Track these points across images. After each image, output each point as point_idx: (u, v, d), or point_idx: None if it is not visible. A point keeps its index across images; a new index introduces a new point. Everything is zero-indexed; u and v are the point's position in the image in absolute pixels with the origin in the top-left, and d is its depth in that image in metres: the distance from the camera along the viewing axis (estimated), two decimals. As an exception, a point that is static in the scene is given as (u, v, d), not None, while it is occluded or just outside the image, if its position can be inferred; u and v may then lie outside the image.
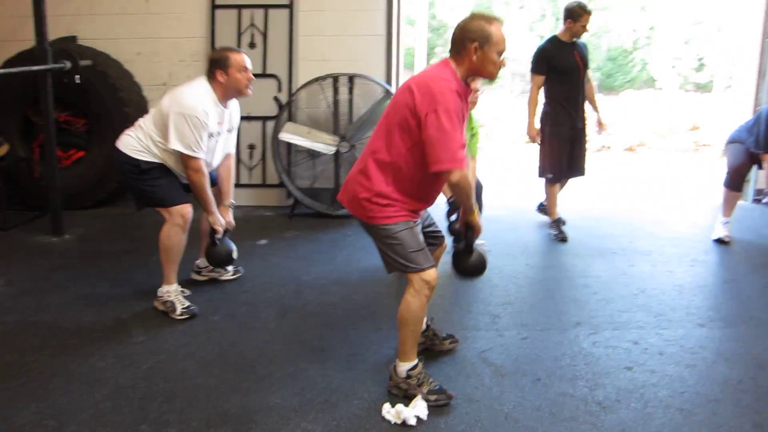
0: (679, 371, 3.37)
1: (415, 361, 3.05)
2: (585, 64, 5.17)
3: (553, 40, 5.14)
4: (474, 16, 2.82)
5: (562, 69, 5.04)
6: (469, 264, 3.14)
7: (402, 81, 5.92)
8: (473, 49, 2.76)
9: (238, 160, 5.81)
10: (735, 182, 5.28)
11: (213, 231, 3.95)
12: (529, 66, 5.17)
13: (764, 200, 6.22)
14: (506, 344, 3.60)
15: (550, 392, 3.14)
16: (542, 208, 5.68)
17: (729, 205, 5.30)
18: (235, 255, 4.10)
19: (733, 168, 5.28)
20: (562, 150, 5.16)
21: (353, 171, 2.99)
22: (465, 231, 3.06)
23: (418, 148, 2.77)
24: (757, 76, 6.30)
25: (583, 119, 5.25)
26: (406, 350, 3.04)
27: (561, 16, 5.21)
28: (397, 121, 2.80)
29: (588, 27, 5.08)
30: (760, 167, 5.32)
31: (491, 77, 2.87)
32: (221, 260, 4.12)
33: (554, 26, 17.85)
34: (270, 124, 5.77)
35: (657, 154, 9.43)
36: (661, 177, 7.96)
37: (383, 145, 2.85)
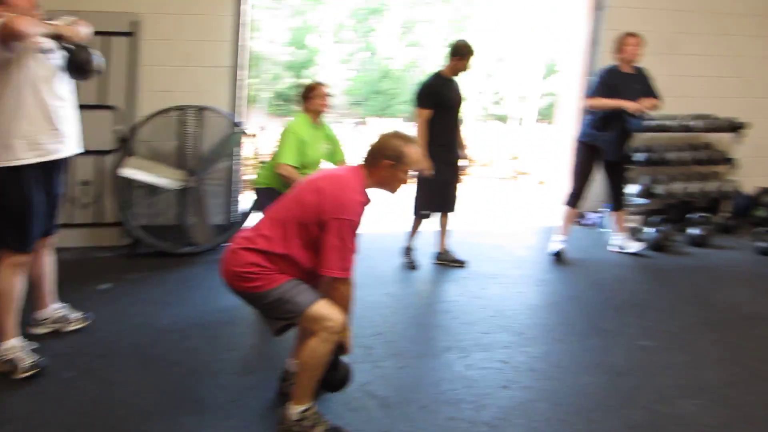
0: (551, 385, 3.56)
1: (310, 403, 2.96)
2: (461, 101, 5.28)
3: (438, 76, 5.18)
4: (393, 135, 2.96)
5: (446, 105, 5.12)
6: (336, 379, 3.04)
7: (247, 114, 5.86)
8: (386, 165, 2.89)
9: (71, 198, 5.37)
10: (572, 200, 5.71)
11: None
12: (414, 101, 5.15)
13: (582, 221, 6.75)
14: (385, 375, 3.61)
15: (438, 418, 3.19)
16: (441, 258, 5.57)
17: (566, 222, 5.73)
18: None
19: (574, 187, 5.69)
20: (439, 186, 5.19)
21: (237, 249, 2.88)
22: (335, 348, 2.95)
23: (313, 246, 2.82)
24: (578, 111, 6.86)
25: (457, 156, 5.33)
26: (304, 394, 2.95)
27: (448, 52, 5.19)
28: (296, 217, 2.83)
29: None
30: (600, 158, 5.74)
31: (394, 192, 3.01)
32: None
33: (367, 60, 18.42)
34: (107, 159, 5.41)
35: (481, 182, 9.96)
36: (489, 204, 8.38)
37: (278, 235, 2.84)
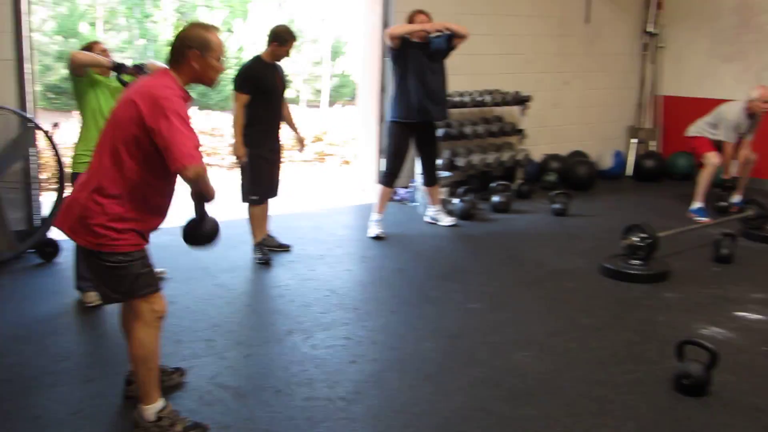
0: (395, 354, 3.67)
1: (162, 401, 2.82)
2: (284, 86, 5.19)
3: (257, 60, 5.02)
4: (192, 25, 2.80)
5: (265, 90, 4.96)
6: (203, 233, 2.92)
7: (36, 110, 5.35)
8: (193, 56, 2.70)
9: None
10: (388, 180, 5.84)
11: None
12: (232, 85, 4.96)
13: (396, 197, 6.97)
14: (233, 365, 3.51)
15: (295, 400, 3.17)
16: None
17: (382, 202, 5.85)
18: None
19: (388, 167, 5.82)
20: (265, 171, 5.07)
21: (78, 193, 2.67)
22: (197, 200, 2.83)
23: (150, 160, 2.62)
24: (379, 91, 7.05)
25: (279, 141, 5.24)
26: (148, 391, 2.80)
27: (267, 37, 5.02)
28: (122, 138, 2.60)
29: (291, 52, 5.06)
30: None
31: (212, 83, 2.83)
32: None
33: (145, 48, 17.57)
34: None
35: (288, 165, 9.88)
36: (300, 186, 8.35)
37: (110, 164, 2.62)
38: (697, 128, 6.77)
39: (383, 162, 6.04)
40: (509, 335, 3.92)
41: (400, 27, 5.66)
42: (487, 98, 7.26)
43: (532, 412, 3.10)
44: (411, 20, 5.65)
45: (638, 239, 4.97)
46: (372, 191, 6.95)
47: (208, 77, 2.78)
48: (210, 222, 2.92)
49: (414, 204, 6.82)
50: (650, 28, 8.79)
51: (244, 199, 5.12)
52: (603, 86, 8.71)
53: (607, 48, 8.62)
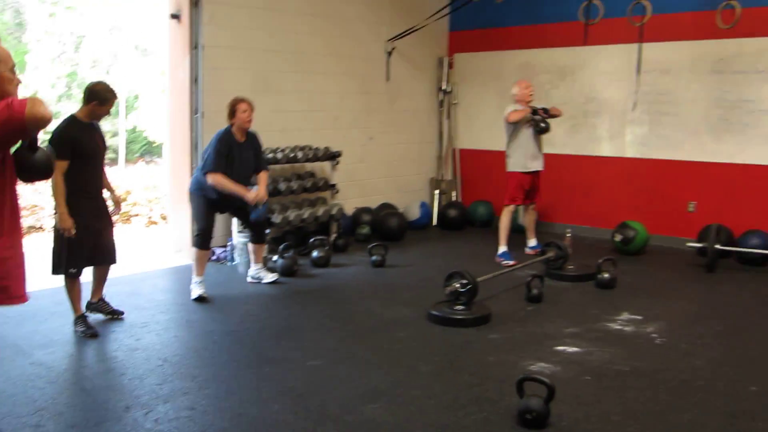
0: (245, 420, 3.55)
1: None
2: (105, 147, 4.86)
3: (73, 121, 4.64)
4: None
5: (85, 153, 4.61)
6: (35, 160, 2.83)
7: None
8: None
9: None
10: (204, 242, 5.68)
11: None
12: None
13: (213, 257, 6.79)
14: (69, 451, 3.21)
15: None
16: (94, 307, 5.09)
17: (201, 264, 5.67)
18: None
19: (201, 230, 5.68)
20: (85, 241, 4.68)
21: None
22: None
23: None
24: (190, 147, 6.88)
25: (105, 205, 4.90)
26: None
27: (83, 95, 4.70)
28: None
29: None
30: (226, 209, 5.89)
31: (11, 95, 2.72)
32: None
33: None
34: None
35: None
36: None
37: None
38: (511, 160, 7.13)
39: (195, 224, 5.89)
40: (355, 389, 3.94)
41: None
42: (299, 154, 7.36)
43: (394, 464, 3.13)
44: (234, 109, 5.65)
45: (459, 285, 5.23)
46: (187, 252, 6.74)
47: (5, 90, 2.70)
48: (42, 151, 2.86)
49: (233, 263, 6.68)
50: (444, 86, 9.42)
51: (60, 271, 4.70)
52: (405, 141, 9.15)
53: (407, 105, 9.10)
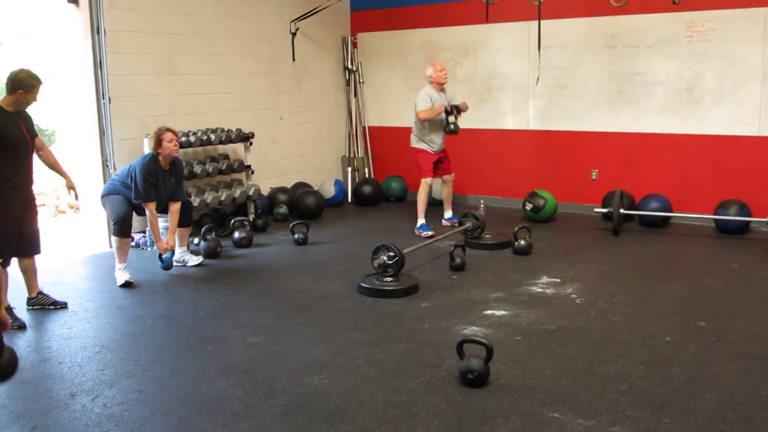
0: (195, 398, 3.59)
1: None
2: (32, 135, 4.66)
3: None
4: None
5: (10, 143, 4.43)
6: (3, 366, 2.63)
7: None
8: None
9: None
10: (124, 230, 5.60)
11: None
12: None
13: (132, 243, 6.66)
14: (20, 440, 3.16)
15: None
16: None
17: (123, 252, 5.59)
18: None
19: (120, 218, 5.59)
20: (11, 230, 4.51)
21: None
22: None
23: None
24: (99, 133, 6.70)
25: (32, 195, 4.77)
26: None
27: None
28: None
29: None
30: (142, 213, 5.79)
31: None
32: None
33: None
34: None
35: None
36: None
37: None
38: (416, 137, 7.34)
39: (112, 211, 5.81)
40: (299, 362, 4.03)
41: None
42: (212, 137, 7.30)
43: (351, 428, 3.25)
44: (160, 139, 5.66)
45: (387, 258, 5.38)
46: (105, 241, 6.62)
47: None
48: (8, 351, 2.66)
49: (153, 248, 6.59)
50: (349, 65, 9.50)
51: None
52: (316, 120, 9.20)
53: (315, 85, 9.15)
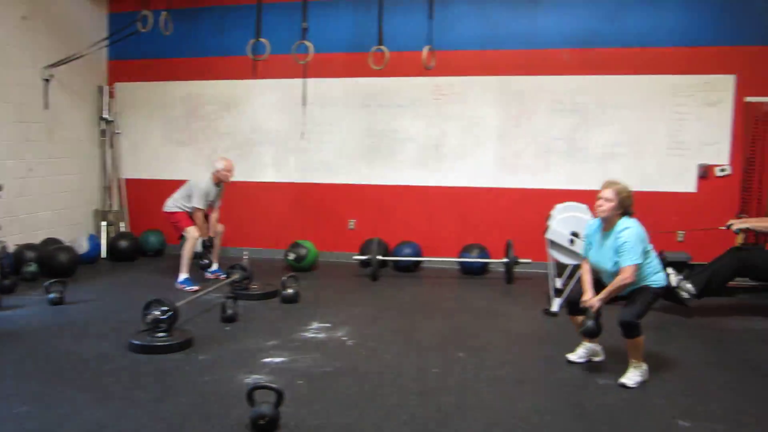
0: None
1: None
2: None
3: None
4: None
5: None
6: None
7: None
8: None
9: None
10: None
11: None
12: None
13: None
14: None
15: None
16: None
17: None
18: None
19: None
20: None
21: None
22: None
23: None
24: None
25: None
26: None
27: None
28: None
29: None
30: None
31: None
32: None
33: None
34: None
35: None
36: None
37: None
38: (174, 202, 7.42)
39: None
40: (78, 428, 3.79)
41: None
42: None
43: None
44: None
45: (160, 312, 5.28)
46: None
47: None
48: None
49: None
50: (105, 115, 9.18)
51: None
52: (68, 172, 8.73)
53: (68, 134, 8.70)
